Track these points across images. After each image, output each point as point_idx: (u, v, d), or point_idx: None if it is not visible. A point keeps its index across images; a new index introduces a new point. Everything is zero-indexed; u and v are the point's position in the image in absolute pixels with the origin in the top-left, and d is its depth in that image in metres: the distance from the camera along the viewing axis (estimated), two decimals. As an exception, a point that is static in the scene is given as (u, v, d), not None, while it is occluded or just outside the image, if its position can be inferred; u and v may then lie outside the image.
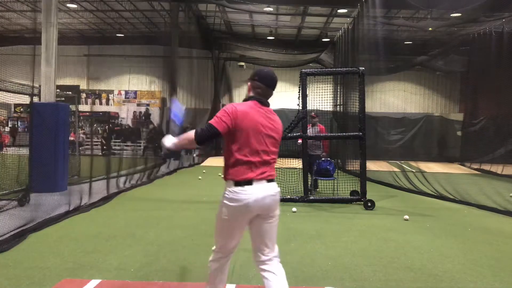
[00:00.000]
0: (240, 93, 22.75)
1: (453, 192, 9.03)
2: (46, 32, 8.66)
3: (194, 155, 17.49)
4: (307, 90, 8.13)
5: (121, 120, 23.07)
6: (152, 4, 16.23)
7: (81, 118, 20.86)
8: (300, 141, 8.55)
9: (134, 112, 23.23)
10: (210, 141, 2.67)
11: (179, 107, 3.02)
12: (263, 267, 2.66)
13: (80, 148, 13.54)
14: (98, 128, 22.29)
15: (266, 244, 2.67)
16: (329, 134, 11.24)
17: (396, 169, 15.76)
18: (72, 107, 11.60)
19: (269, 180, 2.67)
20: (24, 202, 6.83)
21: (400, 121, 20.77)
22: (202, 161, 17.53)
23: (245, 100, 2.75)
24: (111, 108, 23.31)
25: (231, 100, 22.28)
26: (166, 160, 13.70)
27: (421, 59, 18.88)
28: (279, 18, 17.85)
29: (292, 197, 8.13)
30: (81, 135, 18.42)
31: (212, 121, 2.59)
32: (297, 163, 8.91)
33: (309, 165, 8.60)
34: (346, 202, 8.18)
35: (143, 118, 22.59)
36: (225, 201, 2.69)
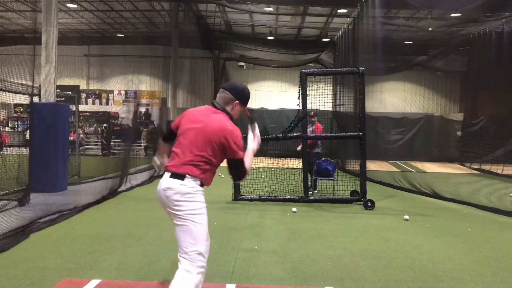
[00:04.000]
0: (240, 93, 22.71)
1: (453, 192, 9.03)
2: (46, 32, 8.66)
3: None
4: (307, 90, 8.13)
5: (121, 120, 23.06)
6: (152, 4, 16.23)
7: (81, 118, 20.86)
8: (299, 147, 8.70)
9: (134, 112, 23.20)
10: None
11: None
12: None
13: (80, 148, 13.53)
14: (98, 128, 22.29)
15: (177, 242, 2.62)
16: (329, 134, 11.24)
17: (396, 169, 15.77)
18: (72, 107, 11.61)
19: (172, 174, 2.64)
20: (24, 202, 6.83)
21: (400, 121, 20.76)
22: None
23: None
24: (110, 108, 23.29)
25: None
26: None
27: (421, 59, 18.86)
28: (279, 18, 17.84)
29: (292, 197, 8.14)
30: (81, 135, 18.43)
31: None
32: (297, 163, 8.92)
33: (309, 164, 8.60)
34: (346, 202, 8.18)
35: (143, 118, 22.58)
36: None
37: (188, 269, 2.50)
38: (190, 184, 2.59)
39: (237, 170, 2.70)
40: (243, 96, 2.87)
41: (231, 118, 2.80)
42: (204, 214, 2.65)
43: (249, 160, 2.73)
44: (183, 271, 2.50)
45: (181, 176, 2.60)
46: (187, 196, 2.58)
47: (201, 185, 2.66)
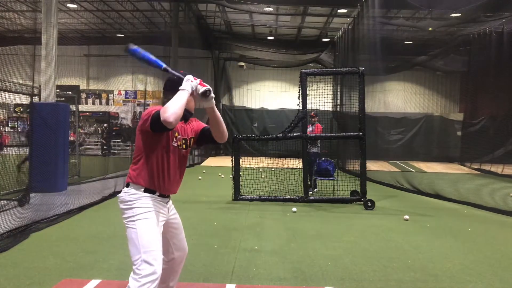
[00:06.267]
0: (240, 93, 22.73)
1: (453, 192, 9.03)
2: (46, 32, 8.67)
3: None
4: (307, 90, 8.13)
5: (121, 120, 23.07)
6: (152, 4, 16.22)
7: (81, 118, 20.85)
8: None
9: (134, 112, 23.24)
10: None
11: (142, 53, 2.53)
12: None
13: (80, 148, 13.53)
14: (98, 128, 22.29)
15: None
16: (328, 134, 11.24)
17: (396, 169, 15.77)
18: (72, 107, 11.61)
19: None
20: (24, 202, 6.83)
21: (400, 121, 20.76)
22: (202, 161, 17.53)
23: None
24: (110, 108, 23.30)
25: (231, 100, 22.28)
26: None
27: (421, 59, 18.86)
28: (279, 18, 17.84)
29: (292, 197, 8.14)
30: (82, 135, 18.44)
31: None
32: (297, 163, 8.93)
33: (309, 164, 8.61)
34: (346, 202, 8.18)
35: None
36: None
37: (130, 280, 2.36)
38: (131, 192, 2.52)
39: (157, 119, 2.31)
40: (169, 83, 2.58)
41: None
42: (147, 219, 2.46)
43: (172, 101, 2.31)
44: (129, 282, 2.38)
45: (126, 184, 2.57)
46: (127, 204, 2.50)
47: (148, 191, 2.52)
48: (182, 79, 2.42)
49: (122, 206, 2.53)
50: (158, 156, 2.51)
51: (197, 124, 2.77)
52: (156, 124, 2.32)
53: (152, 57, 2.52)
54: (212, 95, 2.42)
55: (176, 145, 2.56)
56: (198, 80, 2.42)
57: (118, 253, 4.51)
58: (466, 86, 19.72)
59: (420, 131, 20.62)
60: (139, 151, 2.54)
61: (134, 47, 2.49)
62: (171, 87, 2.50)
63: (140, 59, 2.50)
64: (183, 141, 2.62)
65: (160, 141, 2.50)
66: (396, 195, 9.56)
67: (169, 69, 2.50)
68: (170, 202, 2.72)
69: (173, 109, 2.25)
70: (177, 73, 2.49)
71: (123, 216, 2.52)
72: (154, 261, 2.38)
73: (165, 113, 2.23)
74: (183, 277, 3.80)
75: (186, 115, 2.62)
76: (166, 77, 2.63)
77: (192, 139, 2.70)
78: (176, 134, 2.55)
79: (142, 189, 2.51)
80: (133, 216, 2.46)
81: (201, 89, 2.39)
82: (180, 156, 2.62)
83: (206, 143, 2.77)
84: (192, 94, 2.42)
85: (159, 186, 2.54)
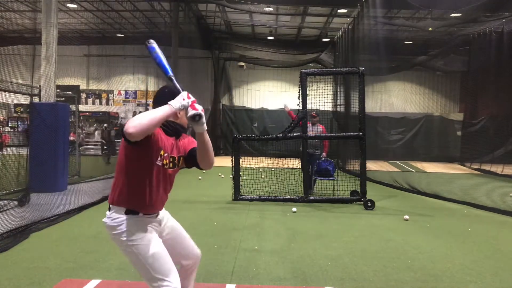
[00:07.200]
0: (240, 93, 22.73)
1: (453, 192, 9.03)
2: (46, 32, 8.67)
3: None
4: (307, 90, 8.13)
5: (121, 120, 23.08)
6: (152, 4, 16.22)
7: (81, 118, 20.87)
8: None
9: (134, 112, 23.25)
10: None
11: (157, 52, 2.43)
12: None
13: (80, 148, 13.54)
14: (98, 128, 22.29)
15: None
16: (329, 134, 11.24)
17: (396, 169, 15.77)
18: (72, 107, 11.61)
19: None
20: (24, 202, 6.83)
21: (400, 121, 20.75)
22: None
23: None
24: (110, 108, 23.32)
25: (231, 100, 22.28)
26: None
27: (421, 59, 18.86)
28: (279, 18, 17.85)
29: (292, 197, 8.14)
30: (82, 135, 18.46)
31: None
32: (297, 163, 8.94)
33: (309, 164, 8.61)
34: (346, 202, 8.18)
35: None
36: None
37: None
38: (113, 216, 2.31)
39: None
40: (158, 97, 2.44)
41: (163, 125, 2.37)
42: (143, 238, 2.28)
43: (146, 113, 2.10)
44: None
45: (108, 207, 2.36)
46: (115, 230, 2.30)
47: (130, 212, 2.31)
48: (178, 94, 2.21)
49: (111, 232, 2.33)
50: (140, 175, 2.30)
51: (188, 142, 2.51)
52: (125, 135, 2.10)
53: (164, 61, 2.39)
54: (203, 120, 2.15)
55: (160, 164, 2.31)
56: (191, 100, 2.16)
57: (118, 253, 4.51)
58: (466, 86, 19.71)
59: (420, 131, 20.61)
60: (120, 167, 2.34)
61: (152, 44, 2.39)
62: (159, 101, 2.32)
63: (153, 58, 2.38)
64: (171, 159, 2.38)
65: (142, 159, 2.27)
66: (396, 195, 9.56)
67: (174, 79, 2.34)
68: (161, 214, 2.52)
69: (139, 120, 2.03)
70: (178, 86, 2.32)
71: (115, 242, 2.34)
72: (171, 277, 2.28)
73: (129, 123, 2.01)
74: (183, 277, 3.80)
75: (179, 131, 2.44)
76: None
77: (181, 158, 2.45)
78: (162, 152, 2.31)
79: (124, 211, 2.31)
80: (126, 241, 2.29)
81: (190, 112, 2.12)
82: (166, 176, 2.38)
83: (192, 165, 2.52)
84: (180, 112, 2.23)
85: (142, 207, 2.34)
